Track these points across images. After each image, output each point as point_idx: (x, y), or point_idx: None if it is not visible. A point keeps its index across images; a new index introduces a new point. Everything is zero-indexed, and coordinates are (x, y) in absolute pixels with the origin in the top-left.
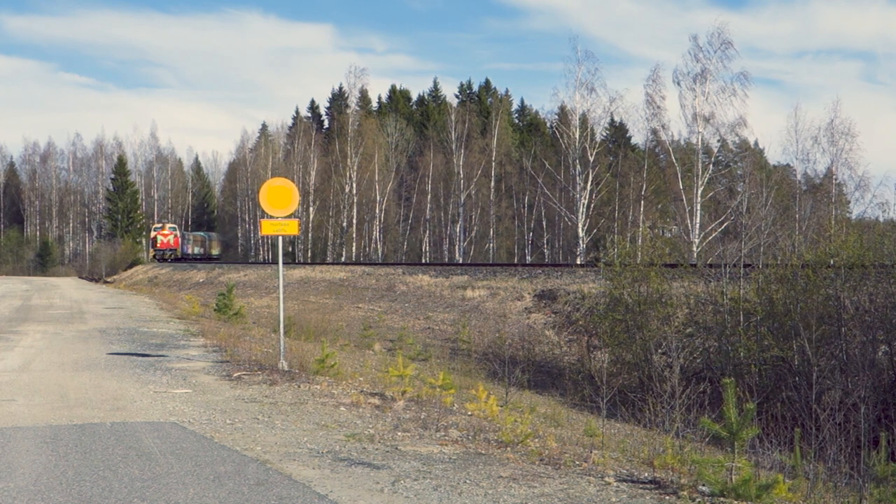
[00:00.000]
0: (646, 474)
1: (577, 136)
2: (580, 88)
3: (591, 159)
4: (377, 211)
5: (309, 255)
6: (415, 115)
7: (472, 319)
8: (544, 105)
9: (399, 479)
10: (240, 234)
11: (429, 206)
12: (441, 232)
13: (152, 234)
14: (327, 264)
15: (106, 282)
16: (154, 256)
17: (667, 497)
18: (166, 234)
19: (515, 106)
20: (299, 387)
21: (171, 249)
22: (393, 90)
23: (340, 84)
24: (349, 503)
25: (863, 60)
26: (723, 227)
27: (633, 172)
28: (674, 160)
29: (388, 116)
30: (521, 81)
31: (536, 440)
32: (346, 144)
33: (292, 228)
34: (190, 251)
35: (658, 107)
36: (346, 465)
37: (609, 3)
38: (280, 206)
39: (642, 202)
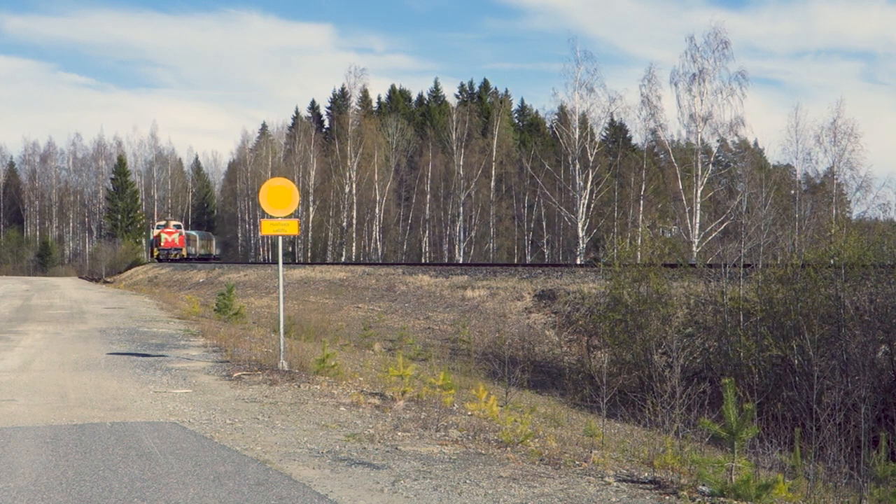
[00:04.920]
0: (646, 474)
1: (577, 136)
2: (579, 88)
3: (591, 159)
4: (377, 211)
5: (309, 255)
6: (415, 115)
7: (472, 319)
8: (544, 105)
9: (399, 479)
10: (240, 234)
11: (428, 206)
12: (441, 232)
13: (154, 232)
14: (327, 264)
15: (106, 282)
16: (157, 257)
17: (667, 497)
18: (171, 233)
19: (515, 106)
20: (299, 387)
21: (176, 249)
22: (393, 90)
23: (342, 84)
24: (349, 503)
25: (863, 60)
26: (723, 227)
27: (633, 172)
28: (673, 160)
29: (389, 116)
30: (520, 81)
31: (536, 440)
32: (346, 144)
33: (292, 228)
34: (193, 251)
35: (655, 107)
36: (346, 465)
37: (609, 3)
38: (280, 206)
39: (642, 202)
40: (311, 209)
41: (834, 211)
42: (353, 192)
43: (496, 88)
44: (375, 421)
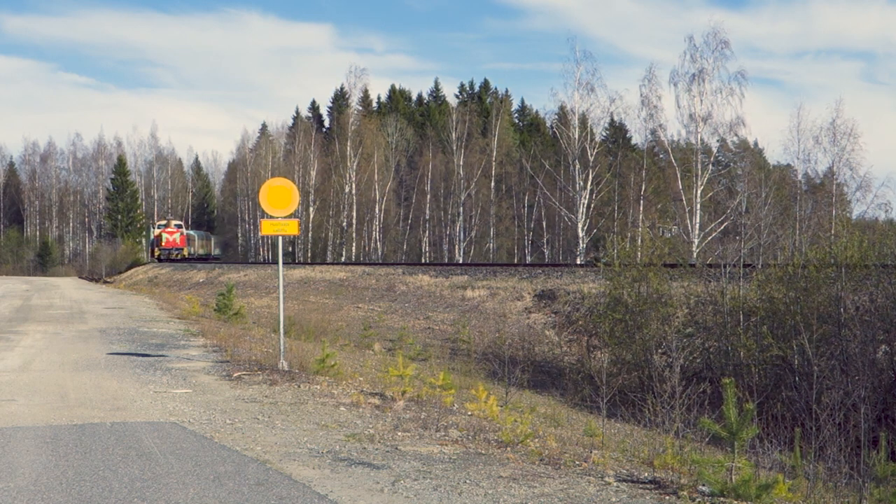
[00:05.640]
0: (646, 474)
1: (577, 136)
2: (579, 88)
3: (591, 159)
4: (377, 211)
5: (309, 255)
6: (415, 115)
7: (472, 319)
8: (544, 105)
9: (399, 479)
10: (240, 234)
11: (428, 205)
12: (441, 232)
13: (155, 231)
14: (327, 264)
15: (106, 282)
16: (158, 256)
17: (667, 497)
18: (172, 232)
19: (515, 106)
20: (299, 387)
21: (177, 248)
22: (393, 90)
23: (342, 84)
24: (349, 503)
25: (863, 60)
26: (723, 227)
27: (633, 172)
28: (673, 160)
29: (388, 116)
30: (520, 81)
31: (536, 440)
32: (346, 144)
33: (292, 228)
34: (193, 251)
35: (655, 107)
36: (346, 465)
37: (609, 3)
38: (280, 206)
39: (642, 202)
40: (311, 209)
41: (834, 211)
42: (353, 192)
43: (496, 88)
44: (375, 421)
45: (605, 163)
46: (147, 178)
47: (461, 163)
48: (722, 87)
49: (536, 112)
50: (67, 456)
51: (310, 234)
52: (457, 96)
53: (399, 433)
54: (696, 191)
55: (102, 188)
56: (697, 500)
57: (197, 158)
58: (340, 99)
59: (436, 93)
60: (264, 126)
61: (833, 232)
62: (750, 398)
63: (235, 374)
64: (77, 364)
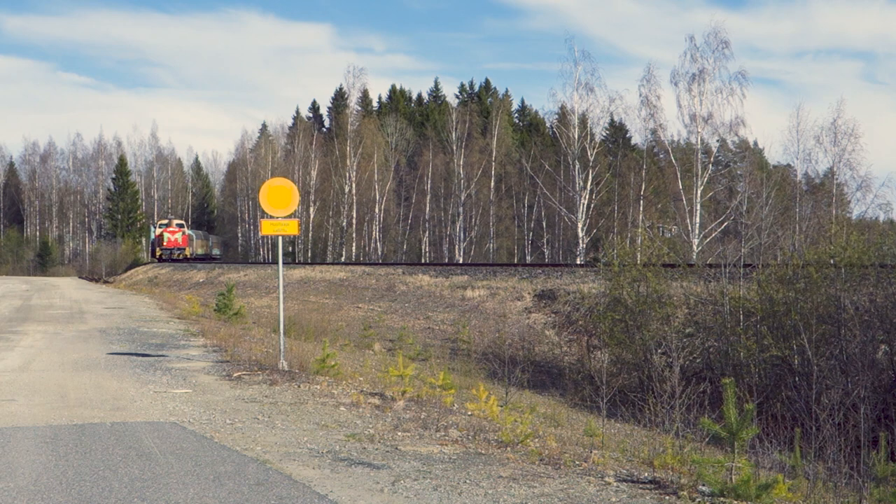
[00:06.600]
0: (646, 474)
1: (577, 136)
2: (578, 89)
3: (591, 159)
4: (377, 211)
5: (309, 255)
6: (415, 115)
7: (472, 319)
8: (544, 105)
9: (399, 479)
10: (240, 234)
11: (428, 205)
12: (441, 232)
13: (157, 231)
14: (327, 264)
15: (106, 282)
16: (160, 256)
17: (667, 497)
18: (174, 232)
19: (515, 106)
20: (299, 387)
21: (179, 248)
22: (393, 90)
23: (341, 84)
24: (349, 503)
25: (863, 60)
26: (723, 227)
27: (633, 172)
28: (673, 160)
29: (388, 116)
30: (520, 81)
31: (536, 440)
32: (346, 144)
33: (292, 228)
34: (193, 251)
35: (654, 107)
36: (346, 465)
37: (608, 3)
38: (280, 206)
39: (642, 202)
40: (311, 209)
41: (834, 211)
42: (353, 192)
43: (496, 88)
44: (375, 421)
45: (604, 163)
46: (147, 178)
47: (461, 163)
48: (722, 87)
49: (536, 112)
50: (67, 456)
51: (310, 234)
52: (457, 96)
53: (399, 433)
54: (696, 191)
55: (102, 188)
56: (697, 500)
57: (197, 158)
58: (340, 99)
59: (436, 93)
60: (264, 126)
61: (833, 232)
62: (750, 398)
63: (235, 374)
64: (77, 364)
